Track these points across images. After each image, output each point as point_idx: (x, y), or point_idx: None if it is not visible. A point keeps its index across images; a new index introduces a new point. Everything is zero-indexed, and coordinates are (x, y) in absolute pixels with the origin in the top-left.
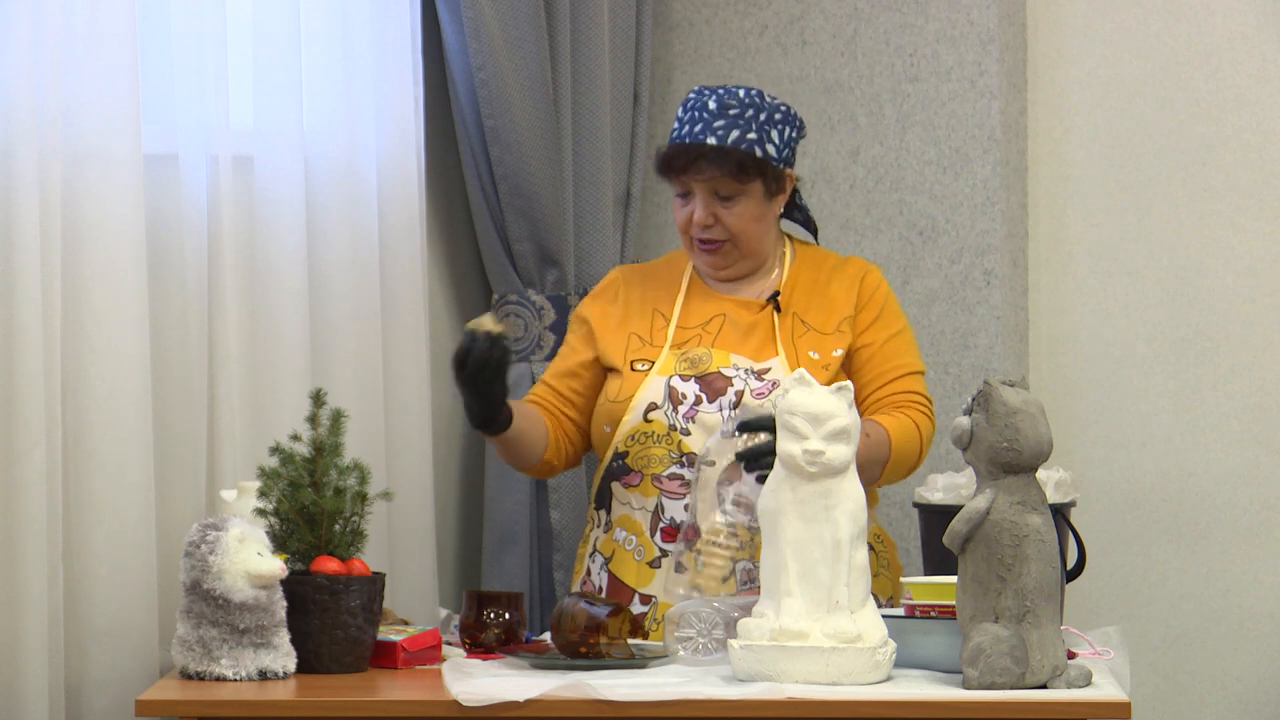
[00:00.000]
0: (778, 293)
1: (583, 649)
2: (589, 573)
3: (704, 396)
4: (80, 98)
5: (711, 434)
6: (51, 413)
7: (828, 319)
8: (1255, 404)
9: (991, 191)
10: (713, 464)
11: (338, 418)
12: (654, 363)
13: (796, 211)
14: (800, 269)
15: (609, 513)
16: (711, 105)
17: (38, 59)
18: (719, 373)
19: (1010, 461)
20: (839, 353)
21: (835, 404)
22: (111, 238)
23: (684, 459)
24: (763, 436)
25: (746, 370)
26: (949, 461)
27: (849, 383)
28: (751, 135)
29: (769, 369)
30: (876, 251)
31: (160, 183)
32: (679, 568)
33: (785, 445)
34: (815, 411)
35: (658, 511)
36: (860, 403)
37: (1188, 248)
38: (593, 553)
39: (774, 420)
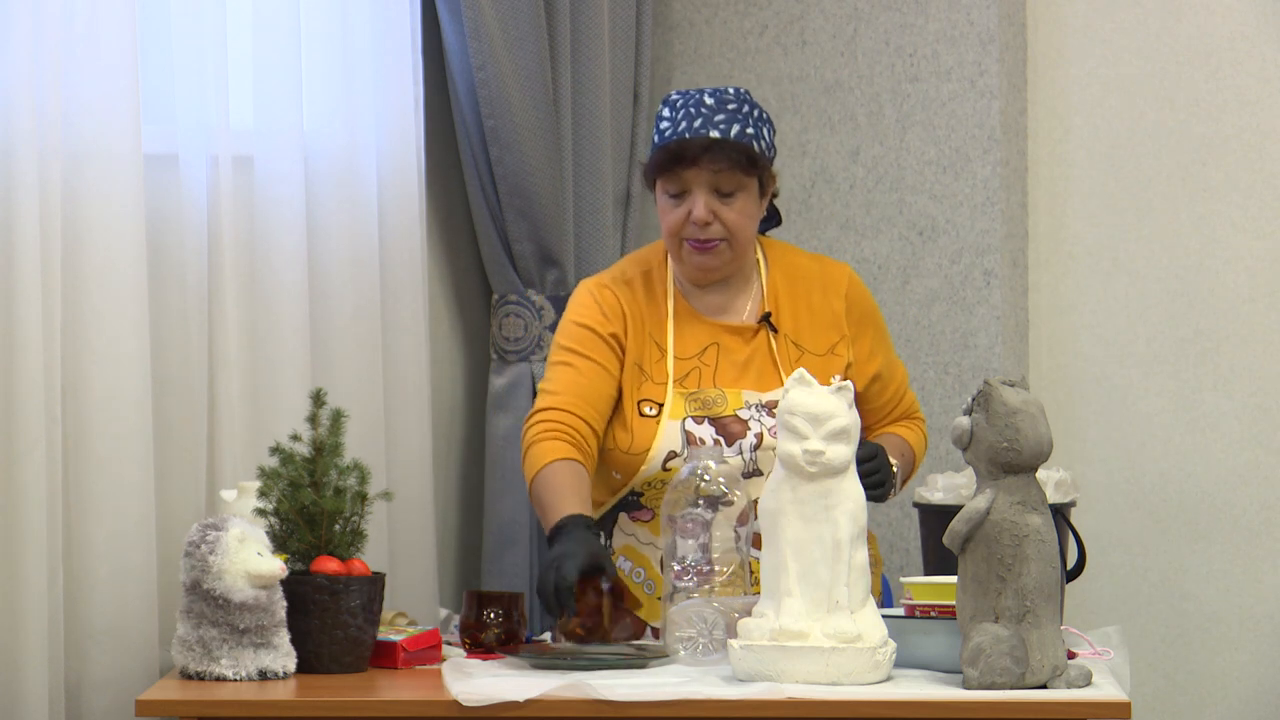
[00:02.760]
0: (769, 314)
1: (579, 631)
2: None
3: (722, 440)
4: (80, 98)
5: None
6: (51, 413)
7: (819, 340)
8: (1255, 404)
9: (991, 191)
10: (731, 504)
11: (338, 418)
12: (661, 405)
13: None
14: (776, 275)
15: (609, 538)
16: (709, 101)
17: (38, 59)
18: (735, 416)
19: (1010, 461)
20: (837, 379)
21: (835, 404)
22: (111, 238)
23: (700, 501)
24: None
25: (758, 406)
26: (949, 461)
27: (849, 382)
28: (750, 130)
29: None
30: (876, 251)
31: (160, 183)
32: None
33: (785, 445)
34: (815, 411)
35: (670, 549)
36: (878, 421)
37: (1188, 248)
38: None
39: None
